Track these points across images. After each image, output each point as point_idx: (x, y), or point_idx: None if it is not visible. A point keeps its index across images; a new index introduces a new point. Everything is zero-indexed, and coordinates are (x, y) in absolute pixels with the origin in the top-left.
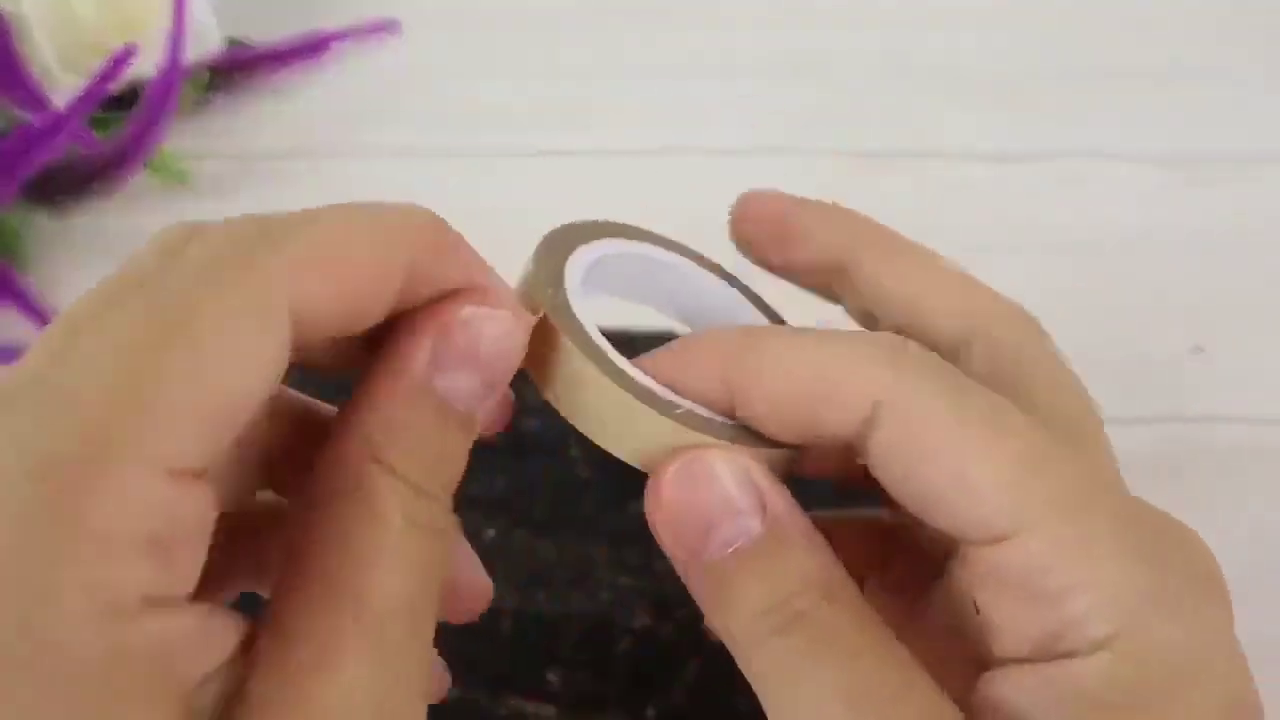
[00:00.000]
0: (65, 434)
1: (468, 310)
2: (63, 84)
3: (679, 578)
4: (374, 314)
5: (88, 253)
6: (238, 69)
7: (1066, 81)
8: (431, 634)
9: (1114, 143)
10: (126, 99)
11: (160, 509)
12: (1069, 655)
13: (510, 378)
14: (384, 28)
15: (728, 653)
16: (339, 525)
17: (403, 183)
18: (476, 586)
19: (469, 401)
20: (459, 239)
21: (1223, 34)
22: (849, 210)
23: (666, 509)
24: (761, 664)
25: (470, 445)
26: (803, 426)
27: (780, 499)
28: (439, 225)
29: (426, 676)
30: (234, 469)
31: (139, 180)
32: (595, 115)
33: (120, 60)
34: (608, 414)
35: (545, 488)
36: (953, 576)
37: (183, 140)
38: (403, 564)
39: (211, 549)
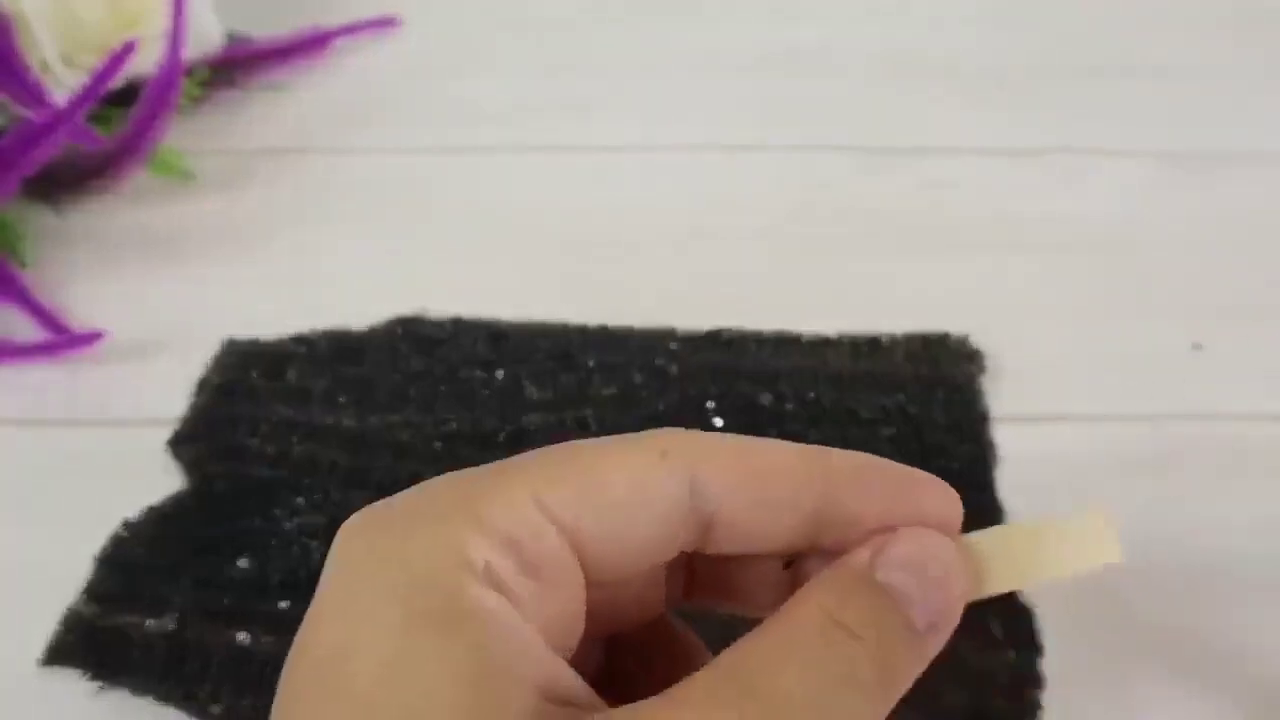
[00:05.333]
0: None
1: (913, 529)
2: (63, 80)
3: None
4: (781, 534)
5: (88, 249)
6: (238, 65)
7: (1066, 78)
8: None
9: (1114, 139)
10: (126, 95)
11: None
12: None
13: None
14: (384, 24)
15: None
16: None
17: (403, 179)
18: None
19: (921, 615)
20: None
21: (1223, 31)
22: None
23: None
24: None
25: (914, 665)
26: None
27: None
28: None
29: None
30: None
31: (139, 177)
32: (595, 112)
33: (120, 57)
34: None
35: None
36: None
37: (183, 137)
38: (807, 665)
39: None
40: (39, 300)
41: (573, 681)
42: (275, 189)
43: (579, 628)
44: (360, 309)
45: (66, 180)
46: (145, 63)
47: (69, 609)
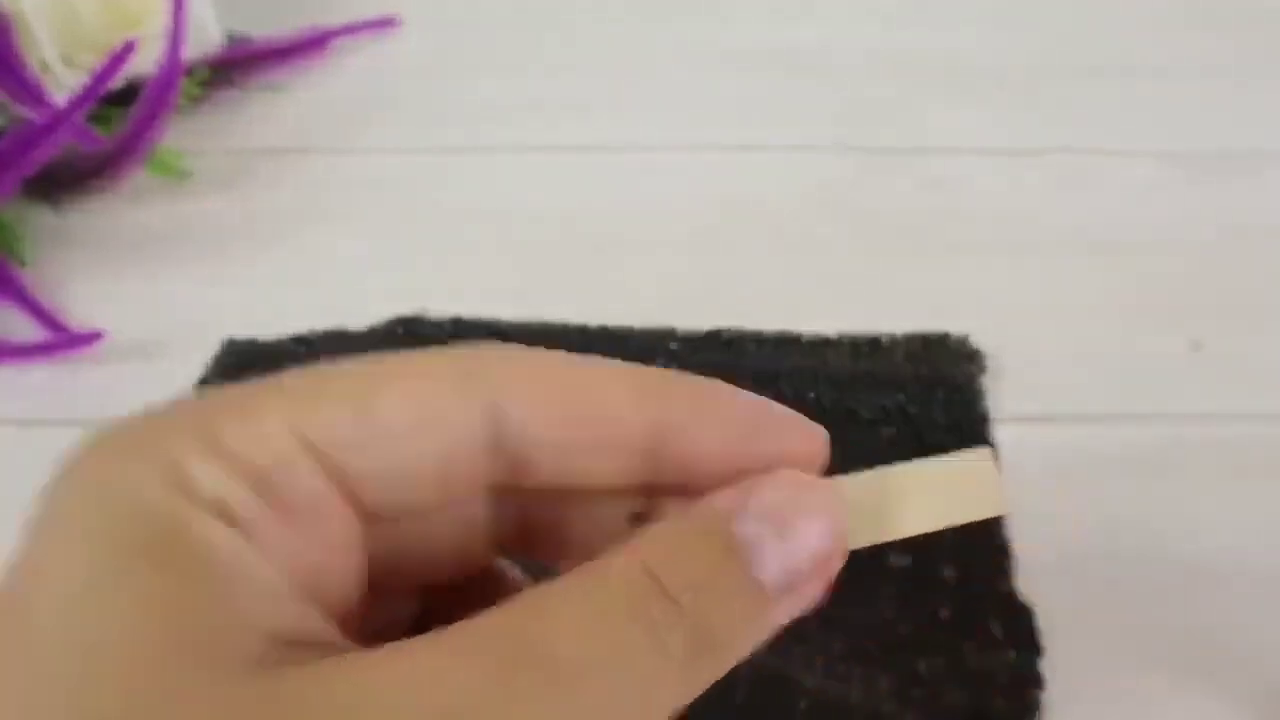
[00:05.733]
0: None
1: (788, 474)
2: (63, 80)
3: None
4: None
5: (87, 249)
6: (237, 65)
7: (1066, 78)
8: None
9: (1114, 139)
10: (126, 95)
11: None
12: None
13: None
14: (384, 24)
15: None
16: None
17: (403, 179)
18: None
19: (772, 571)
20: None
21: (1223, 31)
22: None
23: None
24: None
25: (751, 634)
26: None
27: None
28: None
29: None
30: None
31: (138, 177)
32: (595, 112)
33: (120, 57)
34: None
35: None
36: None
37: (182, 136)
38: (600, 629)
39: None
40: (38, 300)
41: (318, 626)
42: (275, 189)
43: (349, 571)
44: (360, 309)
45: (66, 180)
46: (145, 63)
47: None
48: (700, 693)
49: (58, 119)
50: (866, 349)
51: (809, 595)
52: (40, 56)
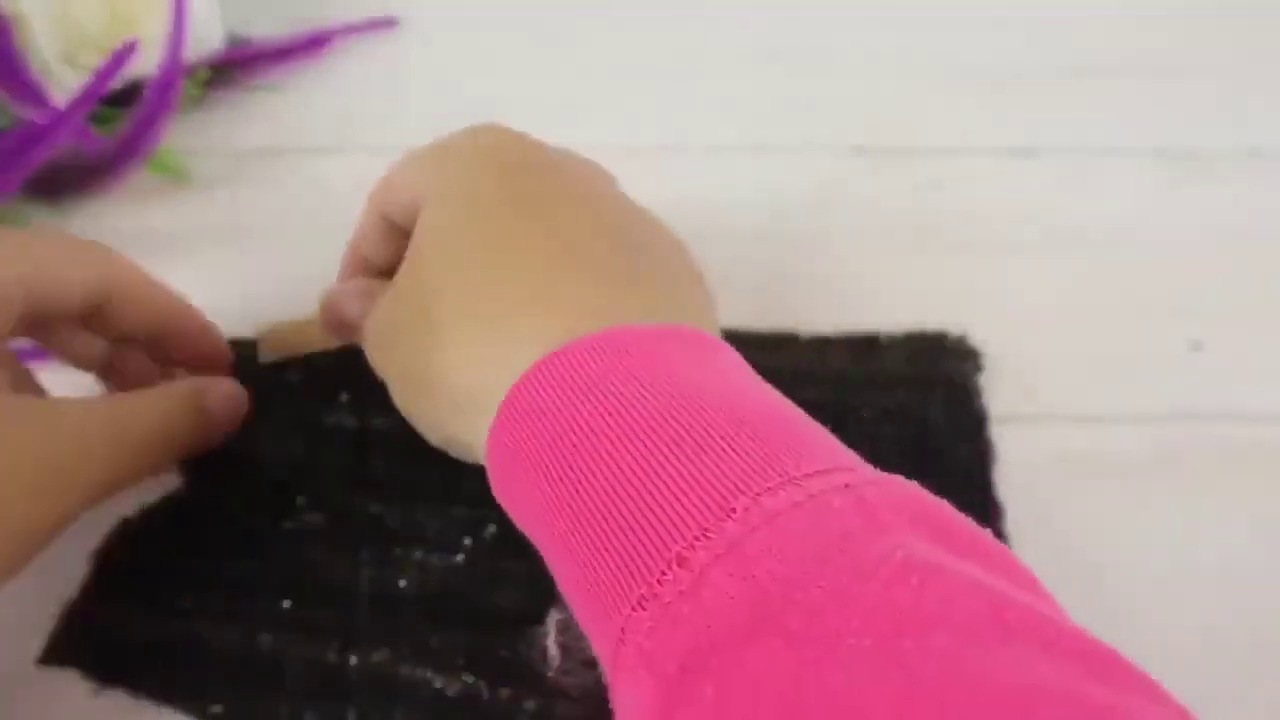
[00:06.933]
0: None
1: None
2: (63, 81)
3: None
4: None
5: None
6: (238, 65)
7: (1065, 78)
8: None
9: (1114, 139)
10: (127, 95)
11: None
12: None
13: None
14: (384, 24)
15: None
16: None
17: None
18: None
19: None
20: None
21: (1223, 31)
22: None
23: None
24: None
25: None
26: None
27: None
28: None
29: None
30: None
31: (139, 177)
32: (593, 112)
33: (120, 57)
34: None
35: None
36: None
37: (183, 137)
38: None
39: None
40: None
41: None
42: (275, 189)
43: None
44: None
45: (67, 180)
46: (145, 63)
47: (67, 608)
48: (205, 441)
49: (58, 119)
50: (865, 348)
51: (231, 415)
52: (41, 57)
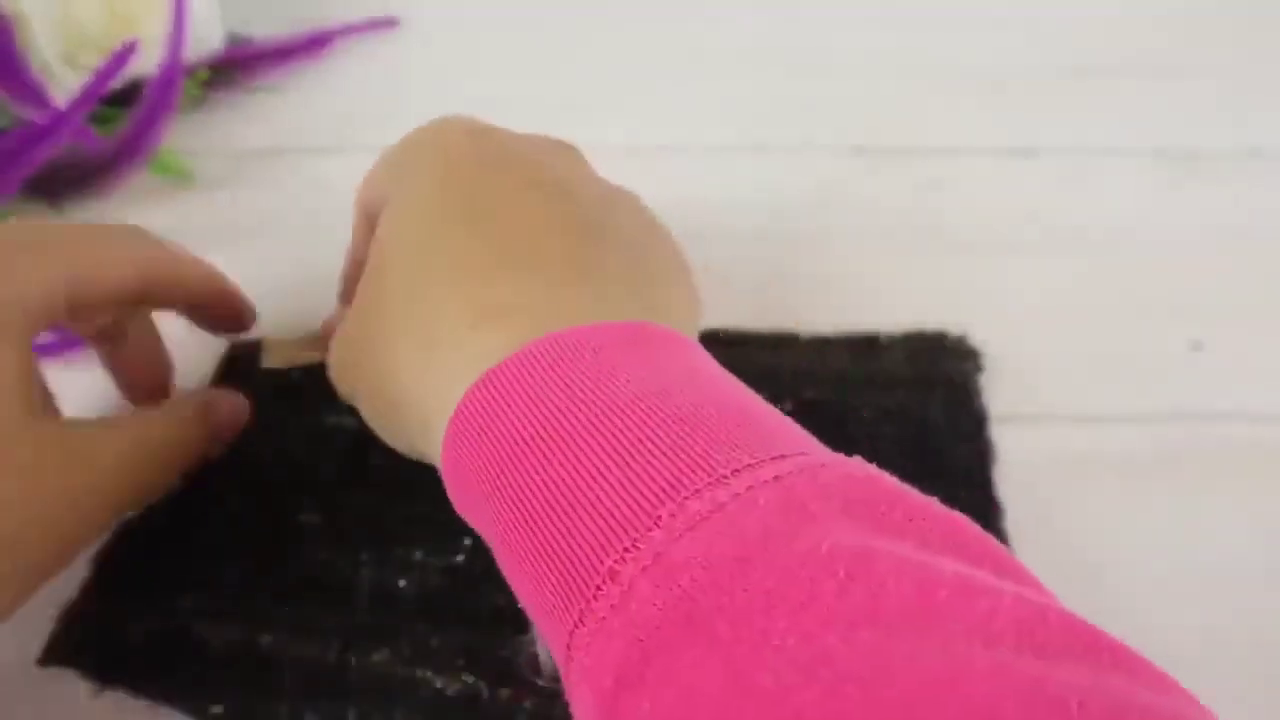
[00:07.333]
0: None
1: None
2: (63, 81)
3: None
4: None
5: None
6: (238, 65)
7: (1066, 78)
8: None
9: (1114, 139)
10: (127, 95)
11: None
12: None
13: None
14: (384, 24)
15: None
16: None
17: None
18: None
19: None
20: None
21: (1223, 31)
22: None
23: None
24: None
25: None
26: None
27: None
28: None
29: None
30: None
31: (139, 177)
32: (593, 112)
33: (121, 57)
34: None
35: None
36: None
37: (183, 137)
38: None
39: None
40: None
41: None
42: (275, 189)
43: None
44: None
45: (67, 180)
46: (145, 63)
47: (67, 608)
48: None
49: (58, 119)
50: (865, 348)
51: (235, 426)
52: (41, 57)
